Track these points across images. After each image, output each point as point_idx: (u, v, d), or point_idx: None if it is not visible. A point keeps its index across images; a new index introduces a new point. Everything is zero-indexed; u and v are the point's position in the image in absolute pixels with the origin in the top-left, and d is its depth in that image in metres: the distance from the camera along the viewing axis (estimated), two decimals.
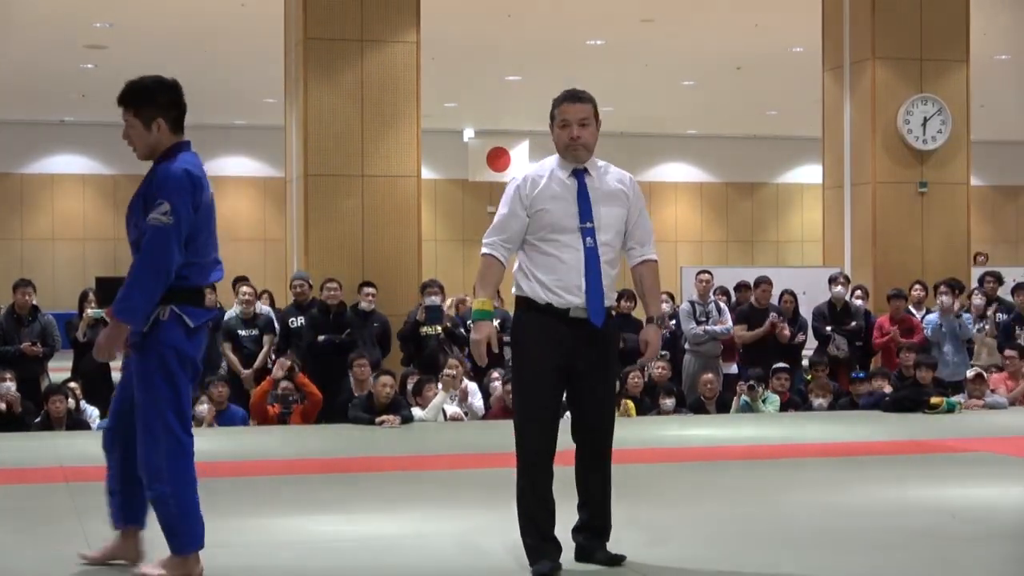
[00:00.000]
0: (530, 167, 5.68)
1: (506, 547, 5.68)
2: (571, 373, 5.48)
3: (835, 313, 13.62)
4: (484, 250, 5.54)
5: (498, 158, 24.58)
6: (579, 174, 5.54)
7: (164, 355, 5.14)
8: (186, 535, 5.20)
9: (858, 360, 13.72)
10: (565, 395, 5.61)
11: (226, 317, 12.92)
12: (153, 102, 5.34)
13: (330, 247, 13.66)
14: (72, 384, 12.01)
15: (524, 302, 5.52)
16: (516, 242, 5.51)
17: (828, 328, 13.49)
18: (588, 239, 5.46)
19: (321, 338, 12.36)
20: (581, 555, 5.57)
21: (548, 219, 5.45)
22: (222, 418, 11.50)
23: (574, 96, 5.62)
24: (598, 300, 5.43)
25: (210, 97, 23.92)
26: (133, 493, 5.35)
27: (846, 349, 13.44)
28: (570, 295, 5.42)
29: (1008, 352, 13.08)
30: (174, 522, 5.17)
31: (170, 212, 5.03)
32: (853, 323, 13.52)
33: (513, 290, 5.61)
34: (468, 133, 28.13)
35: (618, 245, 5.59)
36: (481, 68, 20.75)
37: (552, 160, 5.62)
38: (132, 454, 5.24)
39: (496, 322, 12.50)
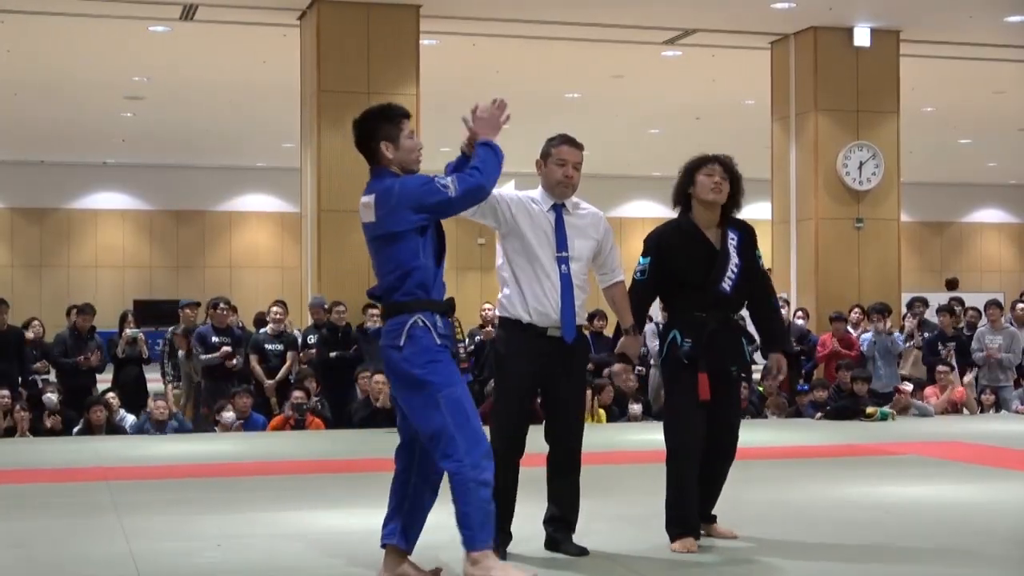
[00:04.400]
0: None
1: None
2: (547, 384, 5.47)
3: None
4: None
5: None
6: (557, 208, 5.53)
7: None
8: None
9: (801, 375, 13.79)
10: (541, 402, 5.61)
11: (257, 332, 13.00)
12: None
13: (340, 274, 13.64)
14: (110, 395, 11.98)
15: (508, 321, 5.49)
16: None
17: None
18: (563, 266, 5.45)
19: (332, 354, 12.35)
20: (550, 544, 5.55)
21: (529, 245, 5.42)
22: (245, 424, 11.48)
23: (573, 142, 5.58)
24: (571, 319, 5.43)
25: (235, 142, 23.95)
26: None
27: None
28: (549, 316, 5.41)
29: (940, 368, 13.16)
30: None
31: None
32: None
33: (497, 311, 5.58)
34: None
35: (587, 272, 5.59)
36: None
37: (534, 193, 5.59)
38: None
39: (468, 342, 12.57)
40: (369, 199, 4.87)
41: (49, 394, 11.66)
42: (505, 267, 5.51)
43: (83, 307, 13.01)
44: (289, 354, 12.58)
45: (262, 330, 13.00)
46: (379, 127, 4.94)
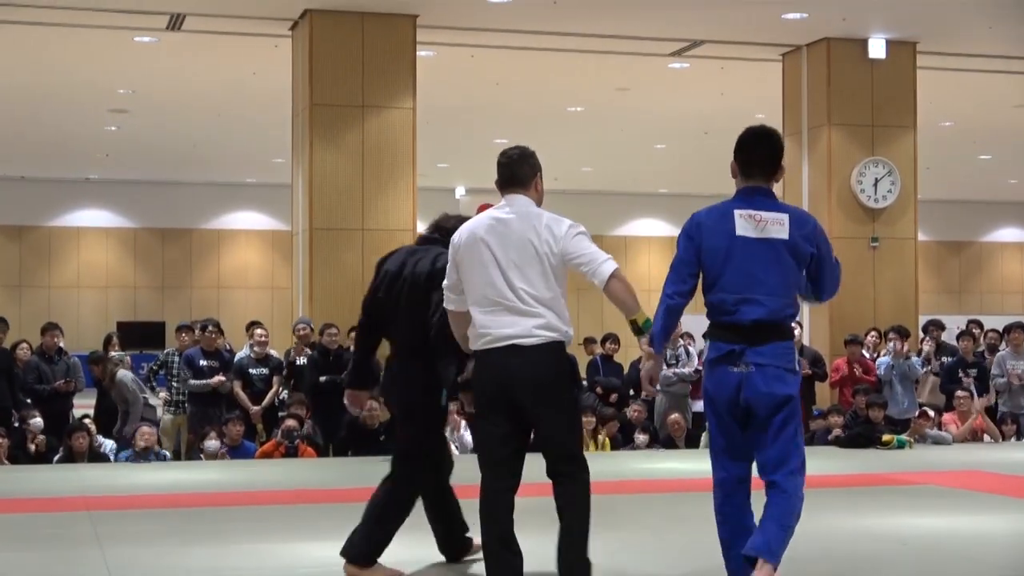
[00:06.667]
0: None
1: None
2: None
3: None
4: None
5: None
6: None
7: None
8: None
9: (813, 399, 13.85)
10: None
11: (238, 357, 12.85)
12: None
13: (333, 295, 13.65)
14: (86, 420, 11.95)
15: (562, 346, 5.27)
16: None
17: None
18: None
19: (322, 379, 12.33)
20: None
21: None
22: (236, 452, 11.47)
23: None
24: None
25: (223, 157, 24.00)
26: None
27: None
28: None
29: (960, 393, 13.12)
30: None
31: None
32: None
33: (568, 334, 5.29)
34: (460, 191, 28.17)
35: None
36: (471, 132, 20.81)
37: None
38: None
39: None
40: (781, 216, 5.02)
41: (37, 419, 11.69)
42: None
43: (47, 326, 13.00)
44: (275, 379, 12.56)
45: (244, 354, 12.89)
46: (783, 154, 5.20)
